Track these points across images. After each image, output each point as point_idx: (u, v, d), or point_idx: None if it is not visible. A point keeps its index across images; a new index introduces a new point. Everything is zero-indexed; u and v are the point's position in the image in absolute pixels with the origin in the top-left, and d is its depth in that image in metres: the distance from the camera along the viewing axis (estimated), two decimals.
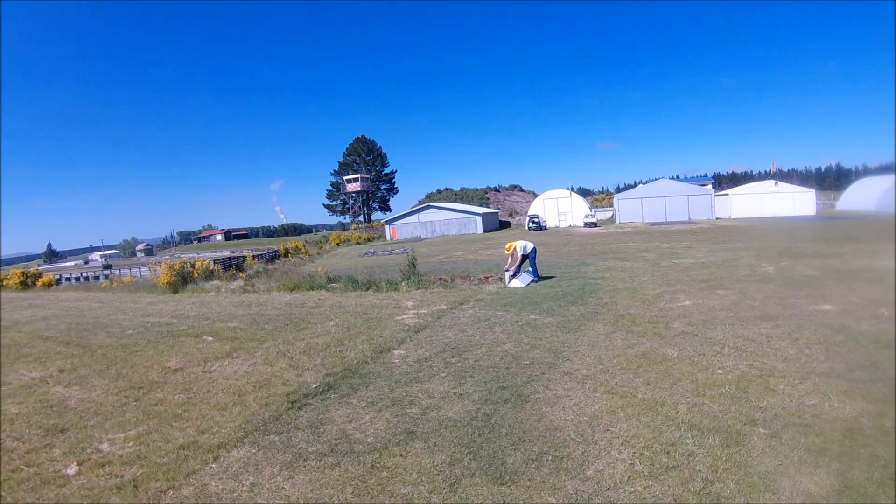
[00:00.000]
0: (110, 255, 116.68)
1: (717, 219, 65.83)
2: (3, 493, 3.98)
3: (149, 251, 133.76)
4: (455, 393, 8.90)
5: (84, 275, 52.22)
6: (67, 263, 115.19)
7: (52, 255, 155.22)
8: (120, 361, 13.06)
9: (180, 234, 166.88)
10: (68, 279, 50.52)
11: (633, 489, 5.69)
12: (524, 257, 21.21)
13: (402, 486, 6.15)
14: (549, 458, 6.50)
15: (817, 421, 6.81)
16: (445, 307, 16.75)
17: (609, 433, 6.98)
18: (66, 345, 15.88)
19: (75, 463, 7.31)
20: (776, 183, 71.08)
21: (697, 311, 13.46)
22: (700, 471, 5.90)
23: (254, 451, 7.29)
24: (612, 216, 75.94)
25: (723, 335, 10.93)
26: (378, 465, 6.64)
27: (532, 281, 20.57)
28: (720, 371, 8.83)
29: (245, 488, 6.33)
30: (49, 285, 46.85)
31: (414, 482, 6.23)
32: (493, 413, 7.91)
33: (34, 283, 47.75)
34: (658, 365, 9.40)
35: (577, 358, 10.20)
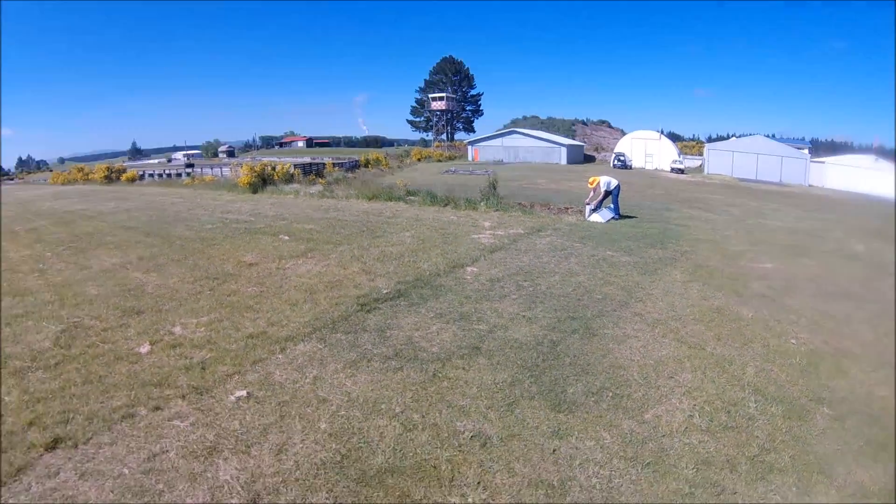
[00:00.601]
0: (193, 155, 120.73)
1: (809, 185, 61.77)
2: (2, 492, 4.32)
3: (230, 153, 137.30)
4: (524, 316, 8.93)
5: (167, 172, 54.42)
6: (151, 161, 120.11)
7: (136, 153, 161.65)
8: (197, 253, 13.78)
9: (262, 138, 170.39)
10: (151, 175, 52.79)
11: (688, 441, 5.60)
12: (607, 193, 20.65)
13: (461, 398, 6.30)
14: (610, 394, 6.49)
15: (884, 414, 6.42)
16: (522, 232, 16.67)
17: (672, 381, 6.85)
18: (146, 235, 16.86)
19: (148, 343, 7.82)
20: (876, 159, 65.68)
21: (779, 275, 12.79)
22: (758, 437, 5.71)
23: (320, 346, 7.62)
24: (700, 165, 72.38)
25: (801, 305, 10.35)
26: (440, 375, 6.80)
27: (612, 218, 20.09)
28: (793, 341, 8.40)
29: (308, 381, 6.64)
30: (132, 180, 49.25)
31: (473, 396, 6.35)
32: (560, 341, 7.91)
33: (118, 178, 50.30)
34: (731, 322, 9.05)
35: (650, 301, 9.98)
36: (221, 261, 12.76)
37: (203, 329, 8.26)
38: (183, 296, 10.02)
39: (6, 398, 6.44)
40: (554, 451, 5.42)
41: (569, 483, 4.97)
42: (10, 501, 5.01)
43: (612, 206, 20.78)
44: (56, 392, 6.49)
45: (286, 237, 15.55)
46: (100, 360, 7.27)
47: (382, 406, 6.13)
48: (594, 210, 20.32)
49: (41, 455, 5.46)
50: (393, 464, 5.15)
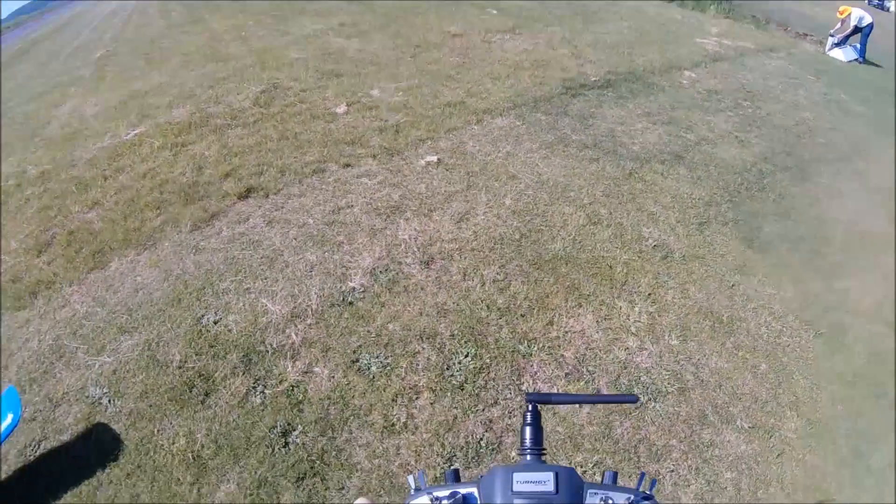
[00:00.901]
0: None
1: None
2: None
3: None
4: (736, 137, 8.11)
5: None
6: None
7: None
8: (401, 20, 13.65)
9: None
10: None
11: (870, 328, 5.00)
12: (857, 29, 17.15)
13: (653, 205, 6.02)
14: (807, 248, 5.89)
15: None
16: (752, 47, 14.70)
17: (875, 260, 5.99)
18: (348, 2, 16.78)
19: (345, 103, 8.08)
20: None
21: None
22: None
23: (518, 123, 7.48)
24: None
25: None
26: (636, 175, 6.49)
27: (855, 60, 16.88)
28: None
29: (500, 155, 6.62)
30: None
31: (665, 205, 6.04)
32: (768, 174, 7.15)
33: None
34: None
35: (876, 164, 8.51)
36: (425, 30, 12.57)
37: (401, 94, 8.35)
38: (383, 61, 10.09)
39: (206, 152, 7.01)
40: (733, 286, 5.13)
41: (737, 323, 4.74)
42: (202, 243, 5.62)
43: (858, 45, 17.57)
44: (252, 147, 6.99)
45: (494, 11, 14.93)
46: (296, 119, 7.66)
47: (571, 194, 6.01)
48: (837, 44, 17.24)
49: (234, 203, 6.01)
50: (569, 253, 5.13)
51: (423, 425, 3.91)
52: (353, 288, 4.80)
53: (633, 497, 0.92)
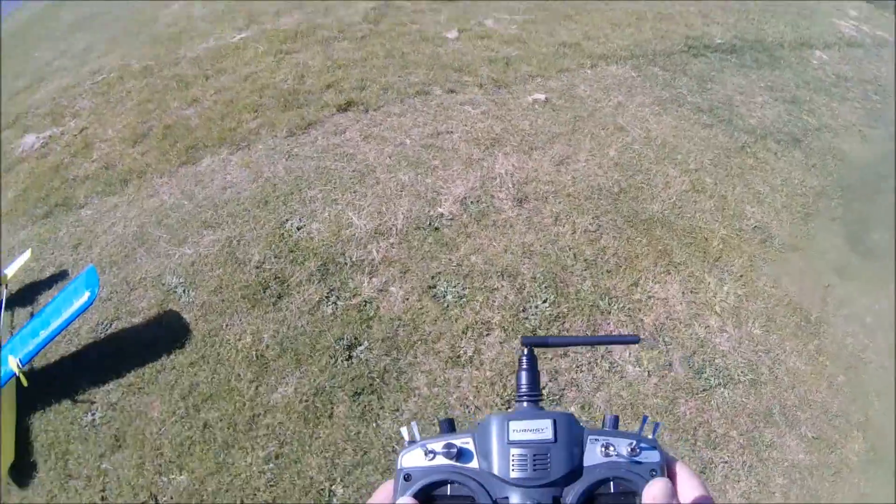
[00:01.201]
0: None
1: None
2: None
3: None
4: (860, 131, 7.53)
5: None
6: None
7: None
8: None
9: None
10: None
11: None
12: None
13: (761, 184, 5.73)
14: None
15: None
16: (890, 38, 13.63)
17: None
18: None
19: (456, 29, 7.86)
20: None
21: None
22: None
23: (633, 74, 7.14)
24: None
25: None
26: (748, 150, 6.16)
27: None
28: None
29: (611, 104, 6.38)
30: None
31: (774, 187, 5.74)
32: (888, 177, 6.57)
33: None
34: None
35: None
36: None
37: (515, 27, 8.06)
38: None
39: (310, 62, 6.94)
40: (828, 286, 4.88)
41: (824, 327, 4.53)
42: (296, 149, 5.63)
43: None
44: (357, 62, 6.90)
45: None
46: (405, 39, 7.50)
47: (678, 157, 5.77)
48: None
49: (332, 114, 6.00)
50: (667, 217, 4.96)
51: (489, 363, 3.91)
52: (442, 214, 4.78)
53: (634, 442, 0.85)
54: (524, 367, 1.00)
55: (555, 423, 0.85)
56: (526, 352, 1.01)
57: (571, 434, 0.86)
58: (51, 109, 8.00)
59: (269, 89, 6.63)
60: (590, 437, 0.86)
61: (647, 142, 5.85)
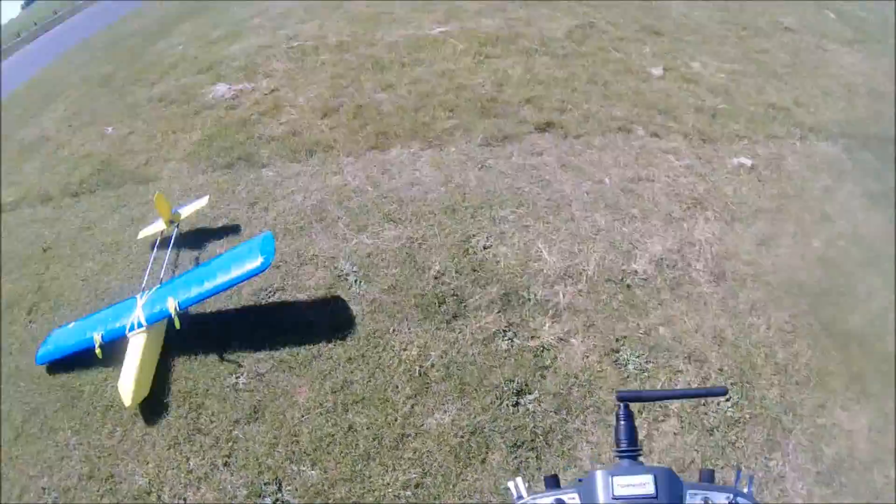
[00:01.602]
0: None
1: None
2: None
3: None
4: None
5: None
6: None
7: None
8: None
9: None
10: None
11: None
12: None
13: None
14: None
15: None
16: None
17: None
18: None
19: (662, 66, 7.46)
20: None
21: None
22: None
23: (844, 156, 6.42)
24: None
25: None
26: None
27: None
28: None
29: (818, 186, 5.80)
30: None
31: None
32: None
33: None
34: None
35: None
36: (755, 12, 11.26)
37: (723, 76, 7.57)
38: (707, 34, 9.17)
39: (510, 71, 6.70)
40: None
41: None
42: (490, 161, 5.42)
43: None
44: (559, 81, 6.64)
45: (832, 15, 13.03)
46: (609, 67, 7.20)
47: (886, 265, 5.05)
48: None
49: (530, 132, 5.78)
50: (866, 336, 4.34)
51: (658, 451, 3.56)
52: (636, 271, 4.46)
53: (732, 495, 0.93)
54: (621, 421, 1.10)
55: (656, 478, 0.91)
56: (622, 407, 1.10)
57: (672, 488, 0.92)
58: (245, 64, 8.24)
59: (467, 91, 6.53)
60: (689, 490, 0.93)
61: (854, 240, 5.21)
